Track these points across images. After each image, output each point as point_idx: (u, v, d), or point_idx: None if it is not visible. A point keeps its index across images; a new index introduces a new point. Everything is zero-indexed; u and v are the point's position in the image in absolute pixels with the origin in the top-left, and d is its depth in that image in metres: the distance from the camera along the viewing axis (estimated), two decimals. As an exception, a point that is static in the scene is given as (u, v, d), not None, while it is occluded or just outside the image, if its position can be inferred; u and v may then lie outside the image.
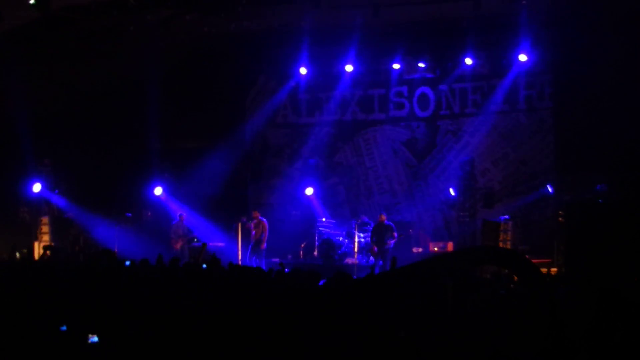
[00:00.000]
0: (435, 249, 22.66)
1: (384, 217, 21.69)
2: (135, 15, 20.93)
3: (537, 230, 22.30)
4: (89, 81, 23.04)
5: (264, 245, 22.39)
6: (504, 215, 21.64)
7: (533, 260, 14.10)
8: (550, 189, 22.24)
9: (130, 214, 24.10)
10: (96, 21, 21.27)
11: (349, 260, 22.54)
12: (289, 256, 23.23)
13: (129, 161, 23.73)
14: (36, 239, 22.96)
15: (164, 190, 24.23)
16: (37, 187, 23.11)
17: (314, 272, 11.22)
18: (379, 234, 21.54)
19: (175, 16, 21.55)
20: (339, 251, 22.78)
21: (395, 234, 21.51)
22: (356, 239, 22.56)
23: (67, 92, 23.07)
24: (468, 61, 23.34)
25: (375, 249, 21.39)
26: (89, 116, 23.72)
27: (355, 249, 22.54)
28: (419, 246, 23.10)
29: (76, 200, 23.52)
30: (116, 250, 19.36)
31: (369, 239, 22.02)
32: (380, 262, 21.03)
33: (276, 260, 21.95)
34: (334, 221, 24.07)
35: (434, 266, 10.25)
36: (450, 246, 22.55)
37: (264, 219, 22.60)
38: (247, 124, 25.76)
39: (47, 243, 22.48)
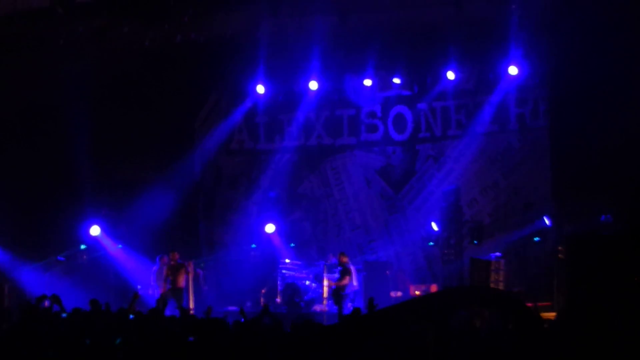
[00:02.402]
0: (417, 292, 22.48)
1: (345, 259, 21.55)
2: (65, 26, 20.94)
3: (534, 269, 22.02)
4: (8, 103, 22.76)
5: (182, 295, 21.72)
6: (494, 252, 21.67)
7: (529, 304, 15.06)
8: (547, 221, 22.06)
9: (62, 258, 23.78)
10: (19, 33, 21.21)
11: (317, 308, 22.34)
12: (248, 303, 22.83)
13: (58, 196, 23.28)
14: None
15: (101, 228, 23.84)
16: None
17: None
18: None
19: (112, 27, 21.58)
20: (306, 297, 22.66)
21: (348, 276, 21.26)
22: (325, 283, 22.25)
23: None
24: (450, 75, 23.22)
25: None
26: (8, 144, 23.41)
27: (325, 295, 22.20)
28: (397, 289, 22.98)
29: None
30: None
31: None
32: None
33: (233, 308, 21.54)
34: (299, 262, 23.92)
35: (414, 310, 10.67)
36: (433, 289, 22.38)
37: (186, 263, 22.02)
38: (197, 150, 25.51)
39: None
